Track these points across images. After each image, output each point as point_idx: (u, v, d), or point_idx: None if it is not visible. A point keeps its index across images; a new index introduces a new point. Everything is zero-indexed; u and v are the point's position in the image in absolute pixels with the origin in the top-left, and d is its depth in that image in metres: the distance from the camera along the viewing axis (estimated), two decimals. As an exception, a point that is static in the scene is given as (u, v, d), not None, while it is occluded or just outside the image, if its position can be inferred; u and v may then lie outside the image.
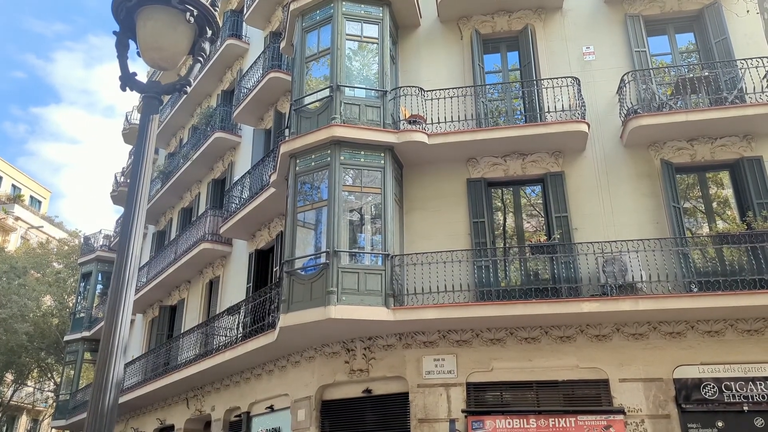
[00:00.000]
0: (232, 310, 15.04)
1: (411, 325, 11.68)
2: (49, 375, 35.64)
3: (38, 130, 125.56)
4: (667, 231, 11.89)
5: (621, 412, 10.88)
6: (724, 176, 12.71)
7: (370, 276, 11.60)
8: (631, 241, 11.35)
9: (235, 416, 15.59)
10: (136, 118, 32.23)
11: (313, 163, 12.65)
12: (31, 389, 41.91)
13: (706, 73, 12.48)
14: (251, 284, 16.15)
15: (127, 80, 4.60)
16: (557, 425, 11.03)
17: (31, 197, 57.90)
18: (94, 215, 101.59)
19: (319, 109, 13.01)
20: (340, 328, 11.76)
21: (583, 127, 12.39)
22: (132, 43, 4.70)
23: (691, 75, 12.57)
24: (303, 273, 11.95)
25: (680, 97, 12.45)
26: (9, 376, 35.81)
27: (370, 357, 12.23)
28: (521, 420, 11.14)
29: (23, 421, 46.01)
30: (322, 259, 11.70)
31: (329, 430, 12.49)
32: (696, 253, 11.58)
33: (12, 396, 37.05)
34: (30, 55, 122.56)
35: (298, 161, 12.87)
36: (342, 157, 12.36)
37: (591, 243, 11.55)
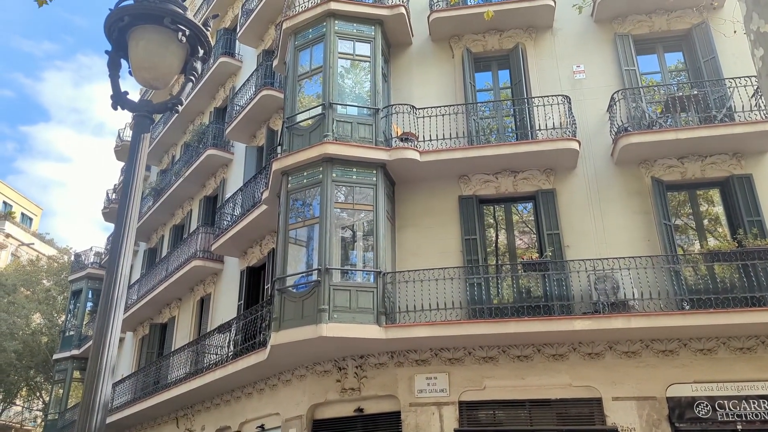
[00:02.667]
0: (223, 328, 14.93)
1: (403, 343, 11.61)
2: (38, 394, 35.17)
3: (27, 149, 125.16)
4: (659, 248, 11.92)
5: (614, 431, 10.82)
6: (715, 194, 12.79)
7: (361, 293, 11.56)
8: (623, 258, 11.38)
9: (226, 436, 15.40)
10: (128, 135, 32.19)
11: (305, 180, 12.64)
12: (19, 408, 41.36)
13: (696, 92, 12.61)
14: (242, 302, 16.06)
15: (119, 99, 4.59)
16: (550, 444, 10.95)
17: (23, 214, 57.54)
18: (85, 233, 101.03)
19: (311, 126, 13.04)
20: (331, 346, 11.68)
21: (574, 145, 12.46)
22: (124, 63, 4.71)
23: (681, 93, 12.69)
24: (294, 290, 11.89)
25: (670, 116, 12.56)
26: (-2, 396, 35.34)
27: (361, 375, 12.15)
28: (514, 439, 11.06)
29: (11, 441, 45.36)
30: (314, 277, 11.65)
31: (321, 450, 12.35)
32: (688, 271, 11.62)
33: (0, 414, 36.53)
34: (18, 74, 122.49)
35: (290, 178, 12.87)
36: (334, 175, 12.36)
37: (583, 260, 11.56)
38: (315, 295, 11.46)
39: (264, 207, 14.51)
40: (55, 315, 33.88)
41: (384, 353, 12.03)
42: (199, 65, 4.73)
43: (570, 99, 12.97)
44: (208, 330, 16.71)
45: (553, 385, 11.37)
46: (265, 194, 14.07)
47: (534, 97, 13.21)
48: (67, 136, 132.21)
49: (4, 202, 55.34)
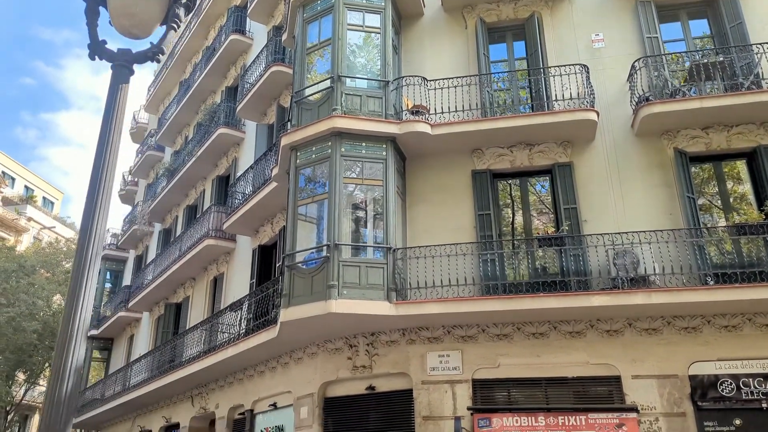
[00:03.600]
0: (235, 306, 14.77)
1: (414, 320, 11.33)
2: (60, 375, 35.55)
3: (48, 136, 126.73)
4: (681, 222, 11.45)
5: (634, 410, 10.45)
6: (741, 166, 12.24)
7: (371, 270, 11.27)
8: (644, 232, 10.91)
9: (239, 414, 15.32)
10: (143, 117, 32.20)
11: (313, 156, 12.34)
12: (43, 389, 42.03)
13: (721, 59, 12.01)
14: (254, 280, 15.89)
15: (97, 48, 4.33)
16: (567, 423, 10.62)
17: (44, 198, 58.21)
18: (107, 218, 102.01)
19: (319, 100, 12.70)
20: (341, 323, 11.44)
21: (592, 116, 11.98)
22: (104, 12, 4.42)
23: (706, 60, 12.10)
24: (304, 267, 11.64)
25: (694, 84, 11.99)
26: (21, 376, 35.82)
27: (373, 353, 11.90)
28: (529, 418, 10.75)
29: (36, 421, 46.16)
30: (323, 253, 11.38)
31: (332, 428, 12.16)
32: (712, 245, 11.13)
33: (24, 395, 37.07)
34: (39, 62, 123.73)
35: (298, 154, 12.57)
36: (343, 149, 12.03)
37: (601, 235, 11.13)
38: (324, 271, 11.19)
39: (274, 184, 14.26)
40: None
41: (395, 330, 11.76)
42: (182, 12, 4.43)
43: (588, 68, 12.45)
44: (221, 309, 16.58)
45: (570, 363, 11.02)
46: (275, 171, 13.81)
47: (550, 67, 12.71)
48: (87, 123, 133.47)
49: (26, 187, 55.98)
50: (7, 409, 34.39)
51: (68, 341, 3.32)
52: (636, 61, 12.33)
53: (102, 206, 3.46)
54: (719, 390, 10.37)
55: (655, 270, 10.70)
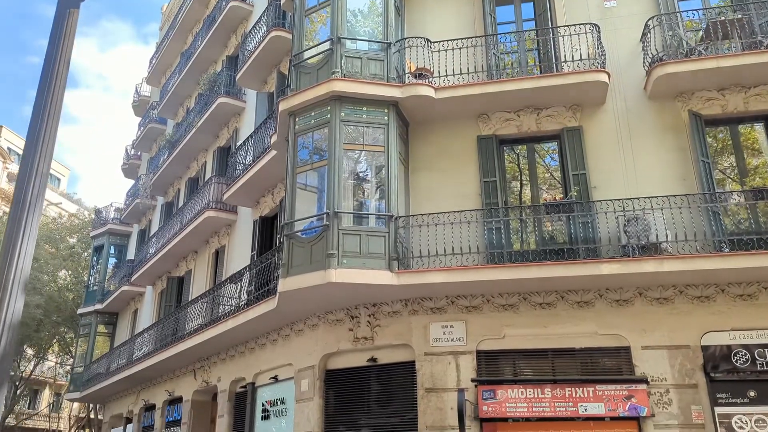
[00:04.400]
0: (235, 278, 14.47)
1: (417, 290, 10.97)
2: (69, 349, 35.72)
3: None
4: (696, 188, 10.96)
5: (644, 381, 10.10)
6: (759, 129, 11.70)
7: (372, 238, 10.90)
8: (656, 197, 10.45)
9: (241, 387, 15.11)
10: (145, 90, 31.75)
11: (312, 121, 11.90)
12: (52, 363, 42.27)
13: (739, 16, 11.42)
14: (255, 252, 15.56)
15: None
16: (574, 395, 10.30)
17: (51, 175, 58.12)
18: (110, 194, 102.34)
19: (318, 63, 12.22)
20: (341, 293, 11.11)
21: (603, 77, 11.44)
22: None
23: (723, 18, 11.51)
24: (303, 236, 11.27)
25: (710, 43, 11.41)
26: (29, 351, 35.98)
27: (374, 324, 11.59)
28: (536, 389, 10.43)
29: (46, 395, 46.60)
30: (323, 221, 11.00)
31: (333, 400, 11.91)
32: (727, 212, 10.65)
33: (33, 370, 37.27)
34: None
35: (297, 119, 12.14)
36: (343, 114, 11.58)
37: (611, 201, 10.68)
38: (324, 239, 10.83)
39: (273, 153, 13.84)
40: (81, 272, 34.11)
41: (397, 301, 11.42)
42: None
43: (599, 27, 11.88)
44: (222, 281, 16.30)
45: (578, 334, 10.66)
46: (274, 138, 13.38)
47: (559, 27, 12.15)
48: (94, 101, 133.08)
49: (32, 163, 55.86)
50: (17, 383, 34.59)
51: (4, 293, 2.96)
52: (649, 19, 11.74)
53: (45, 140, 3.07)
54: (733, 361, 9.99)
55: (667, 237, 10.26)
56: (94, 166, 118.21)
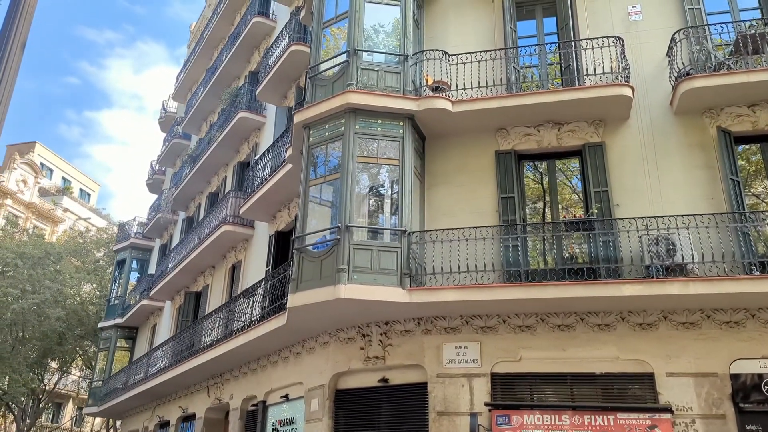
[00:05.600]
0: (248, 293, 14.25)
1: (430, 308, 10.60)
2: (91, 363, 35.88)
3: (91, 133, 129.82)
4: (724, 207, 10.45)
5: (668, 410, 9.54)
6: (791, 146, 11.16)
7: (384, 254, 10.58)
8: (681, 216, 9.96)
9: (252, 405, 14.81)
10: (172, 106, 32.10)
11: (326, 134, 11.70)
12: (75, 377, 42.50)
13: (771, 29, 10.96)
14: (270, 267, 15.35)
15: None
16: (594, 423, 9.77)
17: (81, 190, 59.14)
18: (139, 210, 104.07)
19: (334, 75, 12.05)
20: (352, 309, 10.78)
21: (627, 91, 11.05)
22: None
23: (753, 32, 11.05)
24: (313, 250, 11.01)
25: (740, 57, 10.96)
26: (53, 364, 36.20)
27: (386, 343, 11.22)
28: (553, 416, 9.93)
29: (69, 409, 46.84)
30: (334, 235, 10.73)
31: (343, 422, 11.53)
32: (758, 231, 10.10)
33: (56, 384, 37.48)
34: (83, 62, 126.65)
35: (311, 132, 11.95)
36: (357, 126, 11.36)
37: (634, 219, 10.22)
38: (334, 254, 10.55)
39: (289, 166, 13.68)
40: (105, 285, 34.34)
41: (410, 320, 11.05)
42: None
43: (623, 41, 11.51)
44: (235, 296, 16.11)
45: (598, 358, 10.15)
46: (289, 151, 13.22)
47: (582, 40, 11.81)
48: (128, 121, 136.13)
49: (63, 178, 56.95)
50: (40, 397, 34.76)
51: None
52: (676, 32, 11.34)
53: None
54: (764, 391, 9.39)
55: (693, 258, 9.75)
56: (126, 184, 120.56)
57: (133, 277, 29.19)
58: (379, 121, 11.45)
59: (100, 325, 28.40)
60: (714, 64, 11.08)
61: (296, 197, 14.73)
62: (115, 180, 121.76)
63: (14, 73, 2.95)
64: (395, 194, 11.24)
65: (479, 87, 11.83)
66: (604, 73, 11.36)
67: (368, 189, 11.62)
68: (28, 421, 33.08)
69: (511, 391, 10.39)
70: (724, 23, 11.48)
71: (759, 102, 10.94)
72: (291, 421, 12.92)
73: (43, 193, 50.16)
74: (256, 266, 16.82)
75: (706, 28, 11.47)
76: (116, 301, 28.02)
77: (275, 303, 12.76)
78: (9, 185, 45.16)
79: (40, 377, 33.33)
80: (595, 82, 11.39)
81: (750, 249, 9.83)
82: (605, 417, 9.77)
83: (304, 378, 12.50)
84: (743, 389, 9.46)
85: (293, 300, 10.77)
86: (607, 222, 10.56)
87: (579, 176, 11.91)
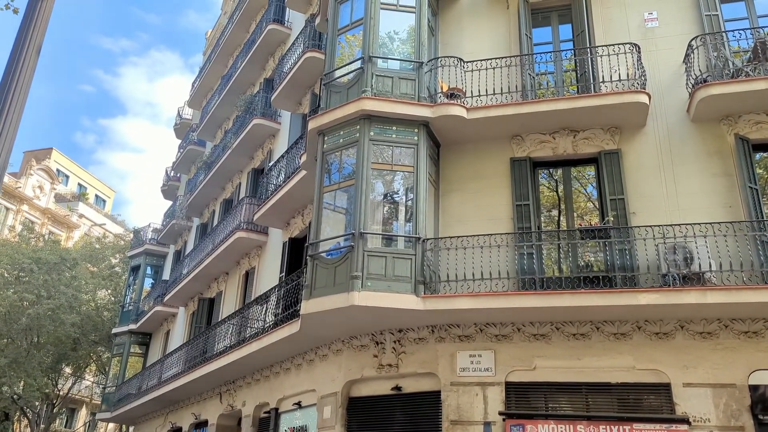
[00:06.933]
0: (261, 300, 14.26)
1: (443, 315, 10.54)
2: (105, 369, 36.06)
3: (106, 141, 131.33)
4: (742, 215, 10.32)
5: (685, 421, 9.39)
6: (812, 154, 11.01)
7: (399, 261, 10.55)
8: (699, 224, 9.85)
9: (265, 412, 14.79)
10: (187, 113, 32.34)
11: (341, 140, 11.71)
12: (89, 383, 42.73)
13: (790, 35, 10.85)
14: (284, 274, 15.36)
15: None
16: (610, 434, 9.64)
17: (96, 196, 59.70)
18: (154, 217, 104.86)
19: (349, 82, 12.08)
20: (366, 317, 10.74)
21: (643, 98, 10.96)
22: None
23: (772, 38, 10.94)
24: (327, 257, 11.00)
25: (758, 63, 10.85)
26: (67, 369, 36.42)
27: (400, 351, 11.17)
28: (568, 426, 9.82)
29: (83, 414, 47.06)
30: (348, 242, 10.72)
31: (356, 430, 11.47)
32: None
33: (71, 389, 37.69)
34: (98, 70, 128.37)
35: (326, 138, 11.97)
36: (372, 133, 11.37)
37: (651, 227, 10.11)
38: (348, 261, 10.54)
39: (303, 173, 13.70)
40: (120, 291, 34.55)
41: (424, 327, 11.00)
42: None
43: (639, 47, 11.44)
44: (248, 303, 16.13)
45: (614, 368, 10.03)
46: (303, 158, 13.25)
47: (598, 46, 11.75)
48: (142, 128, 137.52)
49: (79, 185, 57.50)
50: (54, 402, 34.96)
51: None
52: (693, 39, 11.26)
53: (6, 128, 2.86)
54: (785, 402, 9.22)
55: (711, 266, 9.62)
56: (142, 191, 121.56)
57: (148, 283, 29.35)
58: (394, 128, 11.45)
59: (114, 330, 28.56)
60: (732, 70, 10.98)
61: (310, 204, 14.75)
62: (131, 187, 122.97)
63: (30, 76, 2.98)
64: (409, 201, 11.22)
65: (494, 94, 11.80)
66: (620, 80, 11.29)
67: (382, 196, 11.61)
68: (42, 425, 33.28)
69: (525, 401, 10.29)
70: (742, 30, 11.37)
71: (778, 109, 10.80)
72: (303, 429, 12.87)
73: (59, 199, 50.66)
74: (269, 273, 16.84)
75: (724, 34, 11.38)
76: (130, 307, 28.18)
77: (288, 310, 12.76)
78: (26, 191, 45.65)
79: (54, 382, 33.54)
80: (611, 89, 11.32)
81: (769, 258, 9.68)
82: (621, 427, 9.64)
83: (316, 385, 12.46)
84: (762, 401, 9.29)
85: (306, 307, 10.75)
86: (623, 230, 10.46)
87: (594, 184, 11.83)
